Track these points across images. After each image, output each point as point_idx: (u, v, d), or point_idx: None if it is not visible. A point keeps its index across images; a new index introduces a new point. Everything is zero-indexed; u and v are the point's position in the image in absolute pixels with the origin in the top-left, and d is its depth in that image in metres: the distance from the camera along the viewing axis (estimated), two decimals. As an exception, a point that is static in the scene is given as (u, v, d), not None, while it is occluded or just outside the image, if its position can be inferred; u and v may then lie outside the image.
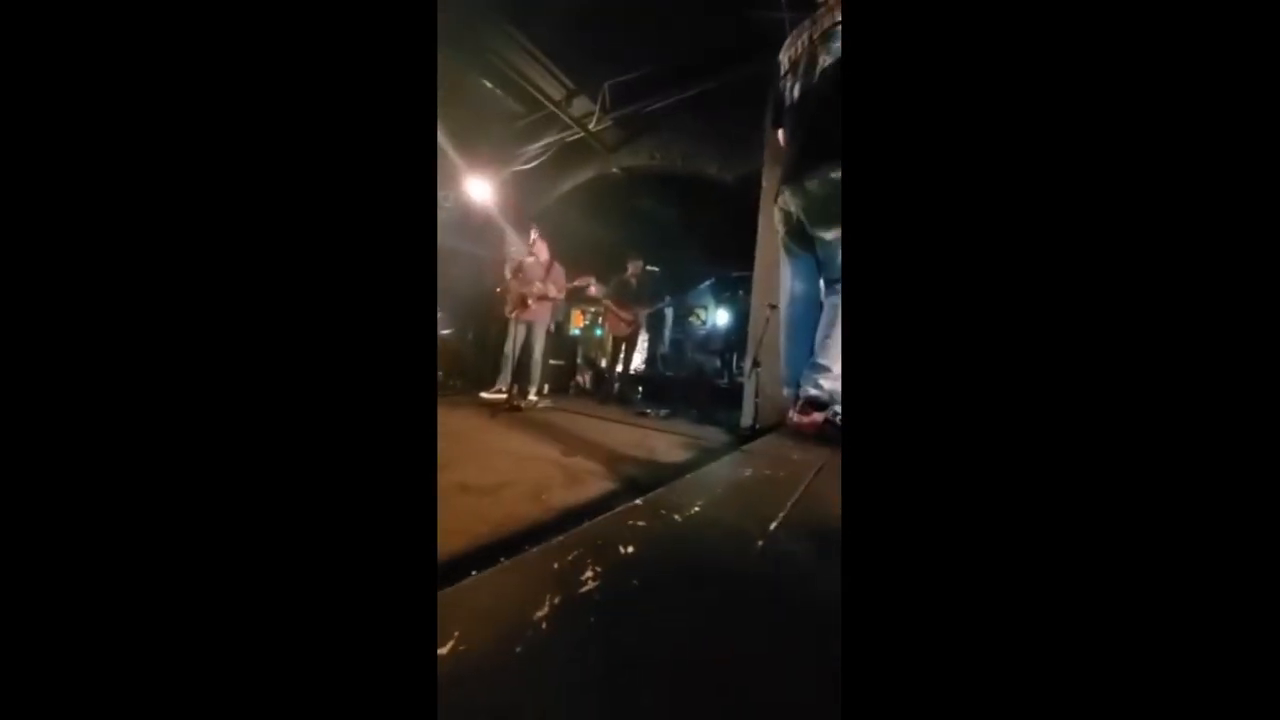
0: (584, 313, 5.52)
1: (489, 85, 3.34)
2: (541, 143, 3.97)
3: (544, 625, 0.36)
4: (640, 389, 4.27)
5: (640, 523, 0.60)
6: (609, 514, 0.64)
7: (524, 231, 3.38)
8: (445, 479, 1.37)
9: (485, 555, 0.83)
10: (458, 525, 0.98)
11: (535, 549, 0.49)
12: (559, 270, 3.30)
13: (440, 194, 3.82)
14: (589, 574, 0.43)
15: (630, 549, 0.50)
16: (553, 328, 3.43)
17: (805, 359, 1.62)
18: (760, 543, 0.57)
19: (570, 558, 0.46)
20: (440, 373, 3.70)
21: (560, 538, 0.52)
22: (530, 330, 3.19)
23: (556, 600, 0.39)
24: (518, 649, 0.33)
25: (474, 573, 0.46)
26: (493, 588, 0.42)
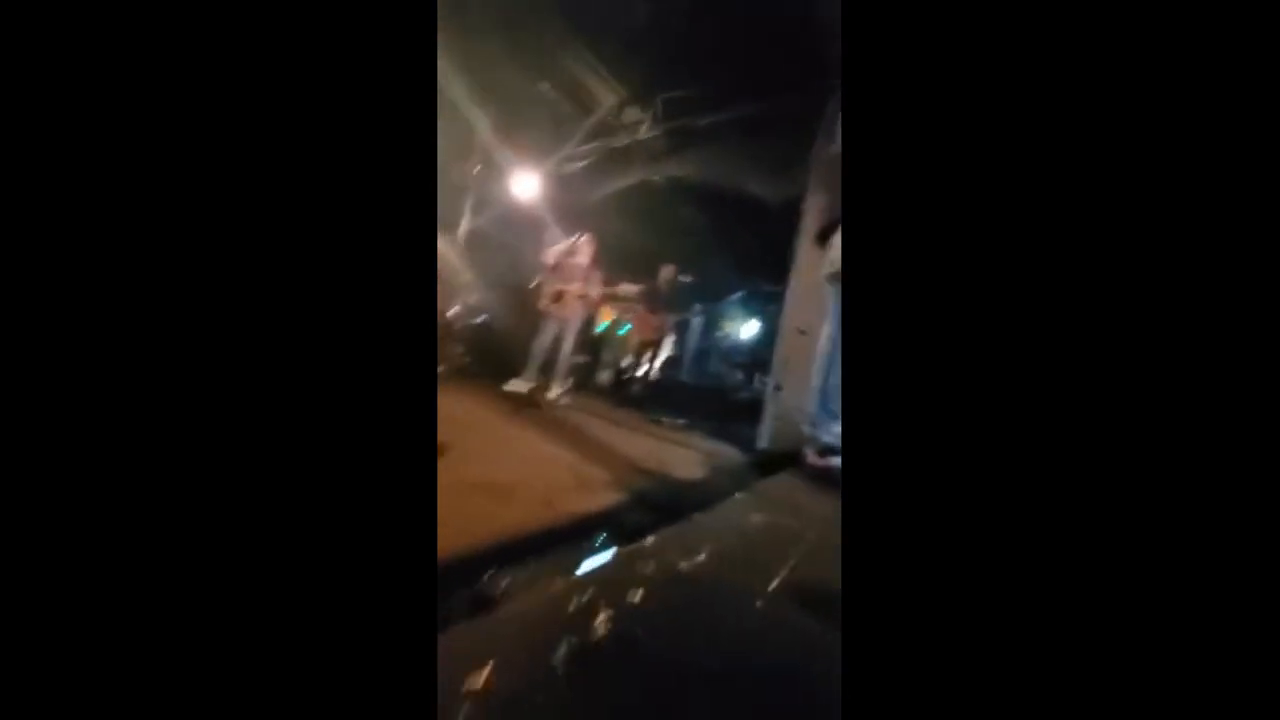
0: (611, 311, 5.59)
1: (547, 86, 3.43)
2: (590, 145, 4.04)
3: (558, 669, 0.40)
4: (659, 395, 4.30)
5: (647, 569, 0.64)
6: (620, 550, 0.67)
7: (565, 229, 3.45)
8: (463, 473, 1.44)
9: (498, 556, 0.89)
10: (470, 525, 1.04)
11: (550, 591, 0.53)
12: (597, 274, 3.36)
13: (487, 187, 3.93)
14: (601, 618, 0.47)
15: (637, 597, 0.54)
16: (581, 326, 3.49)
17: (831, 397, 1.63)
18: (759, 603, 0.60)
19: (585, 598, 0.50)
20: (467, 357, 3.82)
21: (573, 577, 0.56)
22: (563, 328, 3.26)
23: (573, 640, 0.43)
24: (535, 692, 0.37)
25: (489, 574, 0.49)
26: (514, 624, 0.46)
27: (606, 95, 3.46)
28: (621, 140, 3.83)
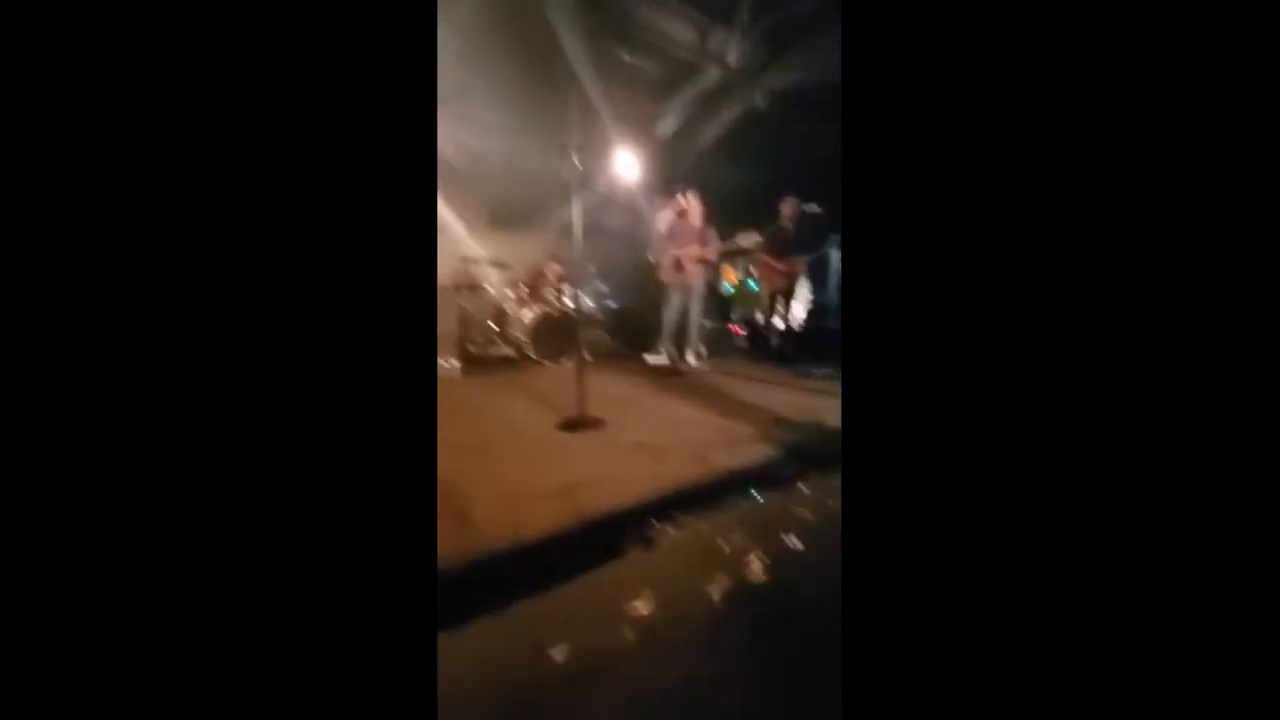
0: (735, 268, 5.31)
1: (625, 53, 3.35)
2: (683, 93, 3.82)
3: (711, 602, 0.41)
4: (801, 345, 3.97)
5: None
6: (773, 496, 0.65)
7: (669, 195, 3.39)
8: (620, 439, 1.58)
9: (658, 507, 0.96)
10: (630, 483, 1.14)
11: (705, 524, 0.54)
12: (712, 231, 3.23)
13: (591, 174, 4.09)
14: (755, 558, 0.47)
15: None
16: (705, 290, 3.42)
17: None
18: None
19: (740, 540, 0.50)
20: (609, 338, 4.15)
21: (727, 519, 0.57)
22: (688, 295, 3.26)
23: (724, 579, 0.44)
24: (690, 620, 0.39)
25: (654, 521, 0.53)
26: (667, 557, 0.49)
27: (685, 31, 3.20)
28: (713, 75, 3.51)
